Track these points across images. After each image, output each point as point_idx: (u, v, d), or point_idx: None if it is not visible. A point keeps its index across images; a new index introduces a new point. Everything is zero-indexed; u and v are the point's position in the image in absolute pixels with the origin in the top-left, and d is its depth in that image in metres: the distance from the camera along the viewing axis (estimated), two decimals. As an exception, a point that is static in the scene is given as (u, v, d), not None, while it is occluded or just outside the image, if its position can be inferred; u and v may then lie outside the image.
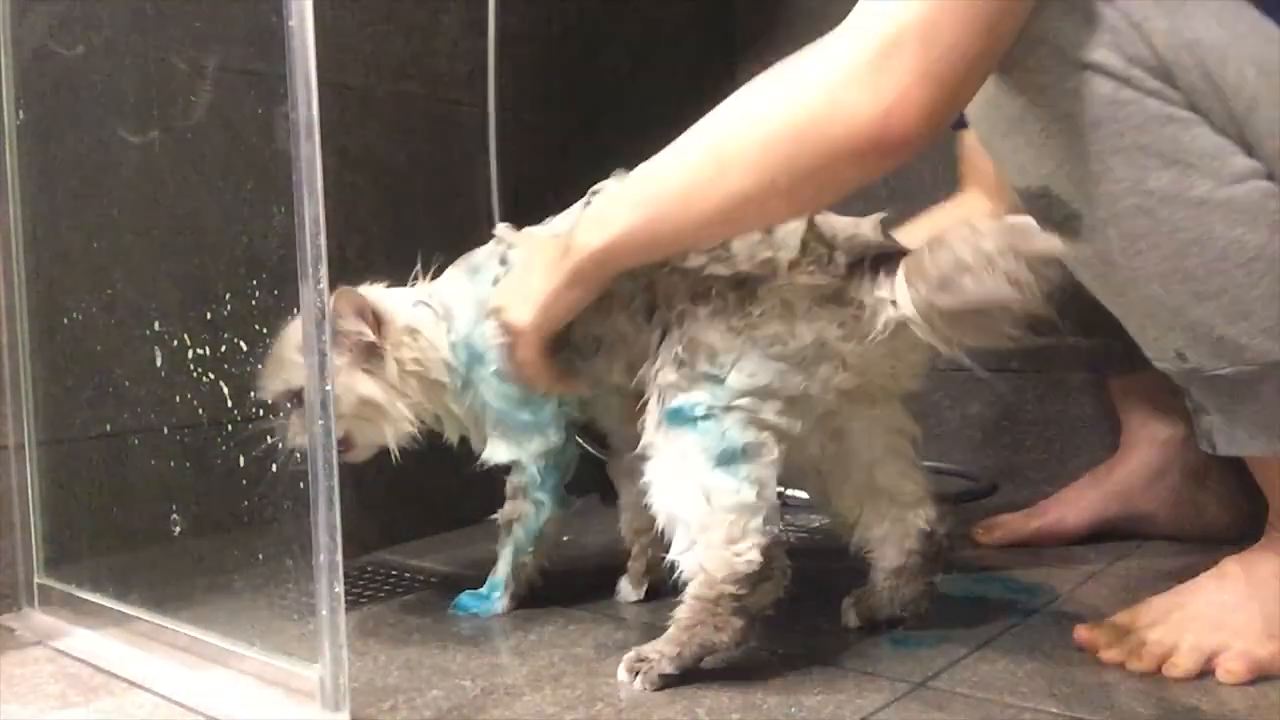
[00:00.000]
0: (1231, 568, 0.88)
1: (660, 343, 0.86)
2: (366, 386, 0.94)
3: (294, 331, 0.91)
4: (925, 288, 0.76)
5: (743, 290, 0.82)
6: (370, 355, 0.95)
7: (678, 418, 0.82)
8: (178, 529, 1.02)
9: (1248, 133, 0.75)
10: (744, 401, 0.81)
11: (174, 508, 1.02)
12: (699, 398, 0.82)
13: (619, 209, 0.83)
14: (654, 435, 0.84)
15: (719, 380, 0.82)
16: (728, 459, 0.81)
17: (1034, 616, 0.97)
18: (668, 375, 0.84)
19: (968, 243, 0.73)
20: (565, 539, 1.10)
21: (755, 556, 0.80)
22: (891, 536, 0.91)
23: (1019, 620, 0.95)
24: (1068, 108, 0.77)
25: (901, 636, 0.92)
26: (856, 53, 0.73)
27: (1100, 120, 0.76)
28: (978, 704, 0.77)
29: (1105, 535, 1.20)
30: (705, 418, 0.81)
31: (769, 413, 0.82)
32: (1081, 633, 0.88)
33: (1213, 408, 0.83)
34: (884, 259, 0.80)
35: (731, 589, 0.80)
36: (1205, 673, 0.81)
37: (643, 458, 0.86)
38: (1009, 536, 1.22)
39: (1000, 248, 0.72)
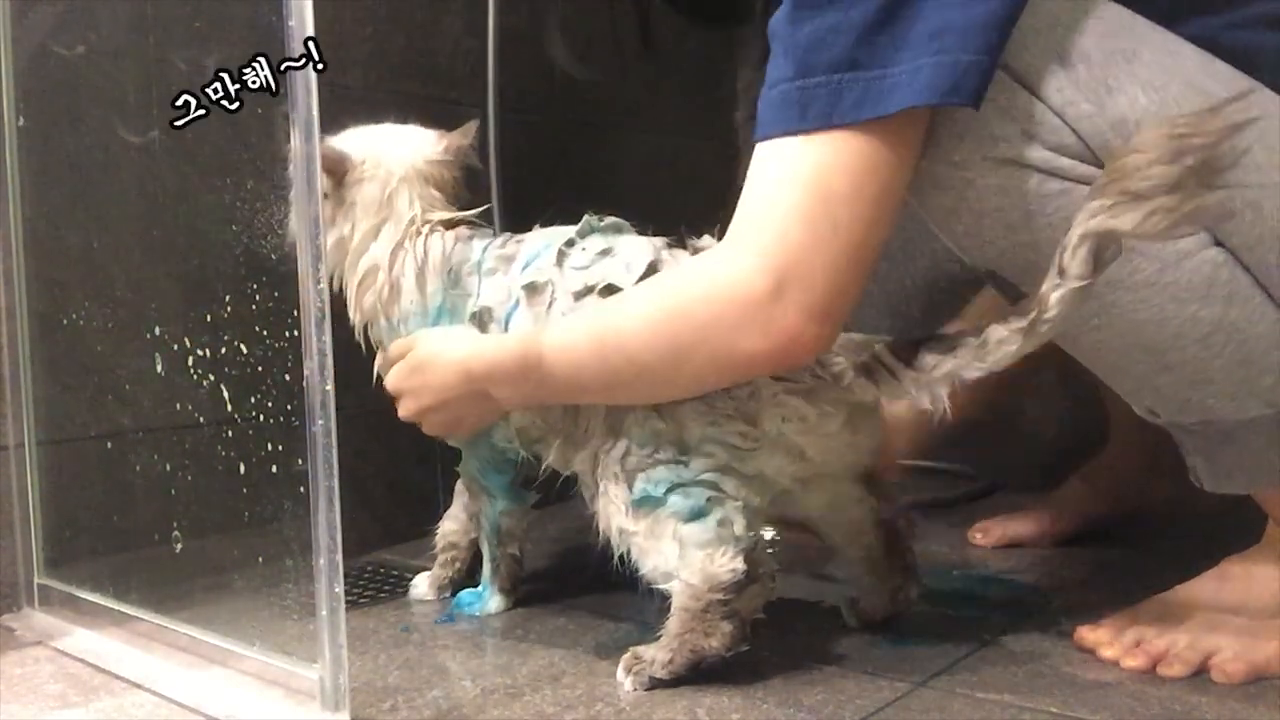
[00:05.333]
0: (1232, 568, 0.88)
1: (617, 429, 0.86)
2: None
3: None
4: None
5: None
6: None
7: (646, 501, 0.84)
8: (179, 545, 1.02)
9: None
10: (706, 476, 0.84)
11: (175, 524, 1.02)
12: (662, 476, 0.84)
13: (523, 388, 0.87)
14: (624, 520, 0.85)
15: (682, 462, 0.84)
16: (696, 515, 0.83)
17: (1034, 616, 0.97)
18: (630, 461, 0.85)
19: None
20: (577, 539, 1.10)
21: (739, 565, 0.81)
22: (854, 542, 0.92)
23: (1019, 620, 0.95)
24: (996, 203, 0.75)
25: (901, 636, 0.92)
26: (744, 296, 0.76)
27: (1031, 214, 0.74)
28: (978, 704, 0.77)
29: (1101, 533, 1.20)
30: (670, 491, 0.83)
31: (728, 486, 0.84)
32: (1081, 633, 0.88)
33: (1194, 451, 0.83)
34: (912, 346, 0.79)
35: (718, 596, 0.81)
36: (1202, 672, 0.81)
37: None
38: (1005, 537, 1.22)
39: None
